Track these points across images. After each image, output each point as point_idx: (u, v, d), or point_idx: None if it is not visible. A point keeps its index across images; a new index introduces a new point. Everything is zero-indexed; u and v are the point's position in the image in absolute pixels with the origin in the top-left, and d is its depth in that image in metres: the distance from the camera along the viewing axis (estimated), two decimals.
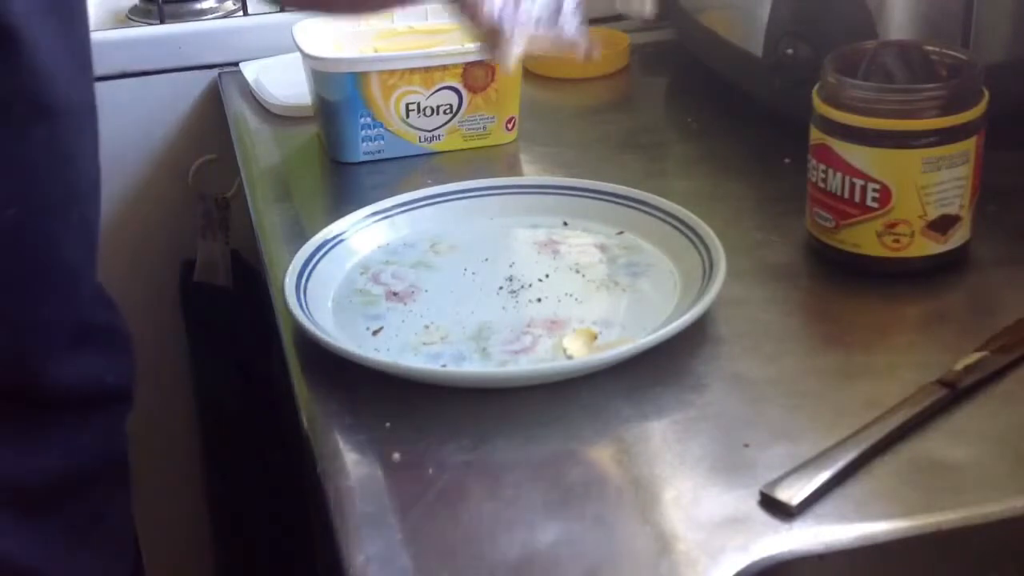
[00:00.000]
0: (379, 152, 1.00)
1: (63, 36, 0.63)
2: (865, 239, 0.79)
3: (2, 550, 0.64)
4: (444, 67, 0.98)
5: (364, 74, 0.97)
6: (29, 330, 0.64)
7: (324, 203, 0.99)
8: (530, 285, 0.81)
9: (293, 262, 0.80)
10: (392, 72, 0.97)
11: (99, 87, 1.27)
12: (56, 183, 0.64)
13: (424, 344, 0.75)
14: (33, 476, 0.66)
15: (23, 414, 0.65)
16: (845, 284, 0.80)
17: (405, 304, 0.79)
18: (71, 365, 0.68)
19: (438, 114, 1.00)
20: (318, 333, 0.73)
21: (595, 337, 0.75)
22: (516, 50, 0.71)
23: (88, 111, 0.67)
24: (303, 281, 0.79)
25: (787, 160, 0.96)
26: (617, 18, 1.27)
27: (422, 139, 1.01)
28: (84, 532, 0.70)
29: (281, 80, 1.14)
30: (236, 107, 1.14)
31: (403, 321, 0.77)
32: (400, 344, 0.75)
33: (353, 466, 0.65)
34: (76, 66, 0.65)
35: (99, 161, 0.68)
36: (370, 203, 0.88)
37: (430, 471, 0.64)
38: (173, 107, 1.24)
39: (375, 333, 0.76)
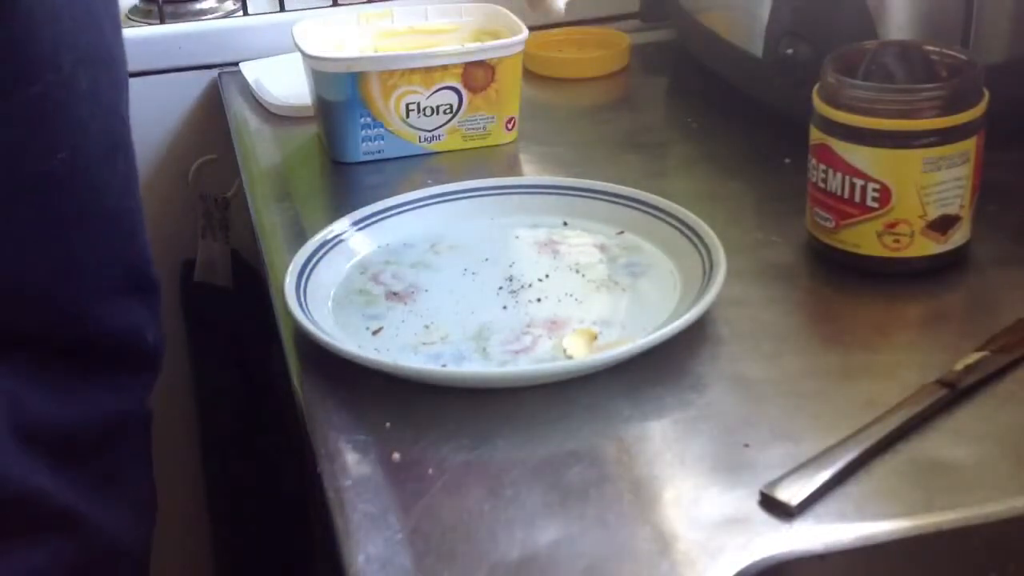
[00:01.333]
0: (379, 152, 1.00)
1: None
2: (865, 239, 0.79)
3: (40, 486, 0.67)
4: (444, 67, 0.98)
5: (364, 74, 0.97)
6: (80, 273, 0.67)
7: (324, 203, 0.99)
8: (530, 285, 0.81)
9: (293, 262, 0.80)
10: (392, 72, 0.97)
11: None
12: (101, 131, 0.67)
13: (424, 344, 0.75)
14: (70, 425, 0.69)
15: (68, 364, 0.68)
16: (845, 284, 0.80)
17: (405, 304, 0.79)
18: (120, 312, 0.70)
19: (438, 114, 1.00)
20: (318, 333, 0.73)
21: (595, 337, 0.75)
22: None
23: (123, 66, 0.69)
24: (303, 281, 0.79)
25: (787, 160, 0.96)
26: (617, 18, 1.27)
27: (422, 139, 1.01)
28: (111, 483, 0.73)
29: (281, 80, 1.14)
30: (236, 107, 1.14)
31: (403, 321, 0.77)
32: (400, 344, 0.75)
33: (353, 466, 0.65)
34: (111, 21, 0.67)
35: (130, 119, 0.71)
36: (370, 203, 0.88)
37: (430, 471, 0.64)
38: (173, 107, 1.24)
39: (375, 333, 0.76)
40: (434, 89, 0.99)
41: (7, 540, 0.66)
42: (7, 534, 0.66)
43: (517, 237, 0.87)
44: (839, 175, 0.78)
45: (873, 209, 0.78)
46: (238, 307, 1.28)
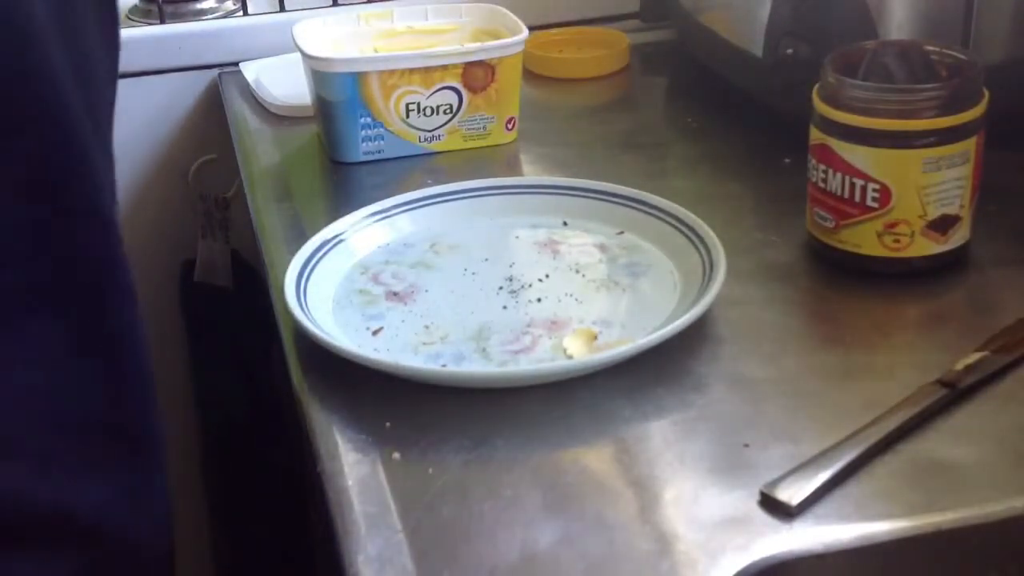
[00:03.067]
0: (379, 152, 1.00)
1: None
2: (865, 239, 0.79)
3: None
4: (444, 67, 0.98)
5: (364, 74, 0.97)
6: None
7: (324, 203, 0.99)
8: (530, 285, 0.81)
9: (293, 262, 0.80)
10: (392, 72, 0.97)
11: None
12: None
13: (424, 344, 0.75)
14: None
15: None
16: (845, 284, 0.80)
17: (405, 304, 0.79)
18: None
19: (438, 114, 1.00)
20: (318, 333, 0.73)
21: (595, 337, 0.75)
22: None
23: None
24: (303, 281, 0.79)
25: (787, 160, 0.96)
26: (617, 18, 1.27)
27: (422, 139, 1.01)
28: (137, 496, 0.72)
29: (281, 80, 1.14)
30: (236, 107, 1.14)
31: (403, 321, 0.77)
32: (400, 344, 0.75)
33: (353, 466, 0.65)
34: None
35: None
36: (370, 203, 0.88)
37: (430, 471, 0.64)
38: (173, 107, 1.24)
39: (375, 333, 0.76)
40: (434, 89, 0.99)
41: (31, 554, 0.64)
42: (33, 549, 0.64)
43: (517, 237, 0.87)
44: (839, 175, 0.78)
45: (873, 209, 0.78)
46: (238, 307, 1.28)
